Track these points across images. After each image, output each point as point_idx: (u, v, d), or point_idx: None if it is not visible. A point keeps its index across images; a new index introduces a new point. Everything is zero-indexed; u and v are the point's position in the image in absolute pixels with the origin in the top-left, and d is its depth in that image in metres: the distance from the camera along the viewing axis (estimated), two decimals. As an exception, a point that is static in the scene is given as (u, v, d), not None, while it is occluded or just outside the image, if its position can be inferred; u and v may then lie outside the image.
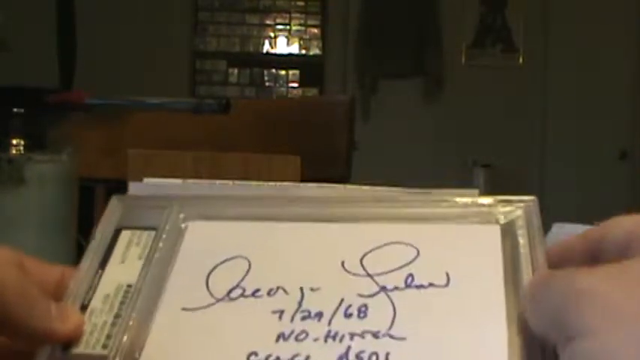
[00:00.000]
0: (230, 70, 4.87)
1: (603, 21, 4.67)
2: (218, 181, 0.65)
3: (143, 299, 0.38)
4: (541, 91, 4.79)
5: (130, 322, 0.37)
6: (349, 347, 0.34)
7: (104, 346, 0.36)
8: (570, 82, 4.72)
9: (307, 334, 0.35)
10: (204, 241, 0.41)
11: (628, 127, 4.77)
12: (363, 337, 0.34)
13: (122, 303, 0.38)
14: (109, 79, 3.46)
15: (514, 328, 0.34)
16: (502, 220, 0.40)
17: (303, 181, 0.80)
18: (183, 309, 0.37)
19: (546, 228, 0.65)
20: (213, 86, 4.84)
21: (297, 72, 4.86)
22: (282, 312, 0.36)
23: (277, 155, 1.22)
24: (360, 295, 0.37)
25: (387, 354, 0.34)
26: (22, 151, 0.76)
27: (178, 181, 0.64)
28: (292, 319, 0.36)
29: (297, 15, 4.86)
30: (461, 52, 4.81)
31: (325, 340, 0.35)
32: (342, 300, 0.36)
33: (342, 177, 1.36)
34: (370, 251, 0.39)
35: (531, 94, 4.78)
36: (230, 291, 0.38)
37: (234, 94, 4.74)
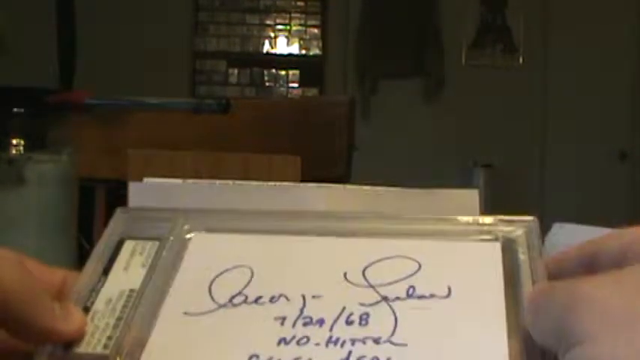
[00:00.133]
0: (230, 70, 4.87)
1: (603, 21, 4.67)
2: (218, 181, 0.65)
3: (145, 303, 0.39)
4: (541, 91, 4.79)
5: (132, 324, 0.37)
6: (350, 352, 0.34)
7: (105, 347, 0.36)
8: (570, 82, 4.72)
9: (308, 339, 0.35)
10: (208, 251, 0.42)
11: (628, 128, 4.77)
12: (364, 343, 0.35)
13: (124, 307, 0.38)
14: (109, 79, 3.46)
15: (514, 337, 0.35)
16: (503, 238, 0.41)
17: (303, 181, 0.81)
18: (185, 313, 0.38)
19: (546, 228, 0.65)
20: (213, 86, 4.84)
21: (297, 72, 4.86)
22: (283, 318, 0.37)
23: (277, 155, 1.22)
24: (362, 304, 0.37)
25: (388, 359, 0.34)
26: (22, 151, 0.76)
27: (178, 181, 0.64)
28: (294, 325, 0.36)
29: (297, 15, 4.86)
30: (461, 52, 4.81)
31: (327, 345, 0.35)
32: (344, 308, 0.37)
33: (342, 177, 1.36)
34: (372, 264, 0.40)
35: (531, 94, 4.78)
36: (232, 297, 0.38)
37: (234, 94, 4.74)
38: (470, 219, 0.43)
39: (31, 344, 0.37)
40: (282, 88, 4.87)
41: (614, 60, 4.72)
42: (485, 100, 4.73)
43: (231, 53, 4.85)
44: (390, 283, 0.38)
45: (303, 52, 4.86)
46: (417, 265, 0.39)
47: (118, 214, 0.45)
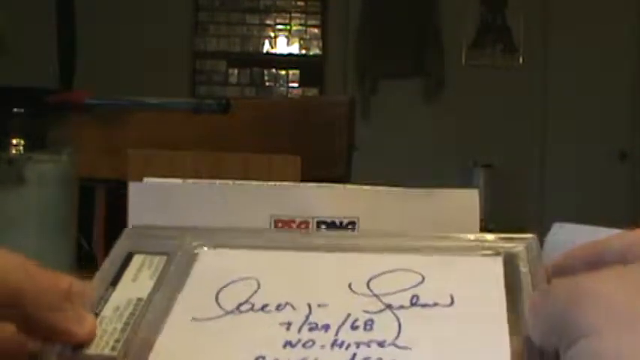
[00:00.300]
0: (230, 70, 4.87)
1: (603, 21, 4.67)
2: (218, 181, 0.65)
3: (153, 310, 0.39)
4: (541, 91, 4.79)
5: (140, 328, 0.38)
6: (355, 354, 0.35)
7: (113, 349, 0.37)
8: (570, 82, 4.72)
9: (314, 342, 0.36)
10: (216, 264, 0.43)
11: (628, 128, 4.77)
12: (368, 346, 0.36)
13: (132, 313, 0.39)
14: (109, 79, 3.46)
15: (516, 342, 0.35)
16: (504, 253, 0.42)
17: (303, 181, 0.81)
18: (193, 319, 0.39)
19: (546, 228, 0.65)
20: (213, 86, 4.84)
21: (297, 72, 4.86)
22: (289, 323, 0.38)
23: (277, 155, 1.22)
24: (367, 312, 0.38)
25: None
26: (22, 151, 0.76)
27: (178, 181, 0.64)
28: (300, 330, 0.37)
29: (297, 15, 4.86)
30: (461, 52, 4.81)
31: (332, 348, 0.36)
32: (349, 315, 0.38)
33: (342, 177, 1.36)
34: (377, 276, 0.41)
35: (531, 94, 4.78)
36: (239, 305, 0.39)
37: (234, 94, 4.74)
38: (472, 236, 0.45)
39: (41, 343, 0.37)
40: (282, 88, 4.87)
41: (614, 60, 4.72)
42: (485, 100, 4.73)
43: (231, 53, 4.85)
44: (393, 293, 0.39)
45: (303, 52, 4.86)
46: (421, 277, 0.40)
47: (126, 232, 0.46)
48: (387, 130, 4.69)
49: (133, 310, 0.39)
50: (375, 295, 0.39)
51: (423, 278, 0.40)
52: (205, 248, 0.44)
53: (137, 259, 0.43)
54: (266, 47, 4.87)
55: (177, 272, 0.42)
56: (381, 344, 0.36)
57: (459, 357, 0.35)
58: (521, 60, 4.83)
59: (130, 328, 0.38)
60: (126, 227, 0.47)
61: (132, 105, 1.02)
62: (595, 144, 4.71)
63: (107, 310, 0.39)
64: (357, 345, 0.36)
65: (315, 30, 4.86)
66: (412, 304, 0.38)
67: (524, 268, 0.41)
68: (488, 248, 0.43)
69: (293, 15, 4.86)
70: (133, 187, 0.62)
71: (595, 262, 0.37)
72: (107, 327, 0.38)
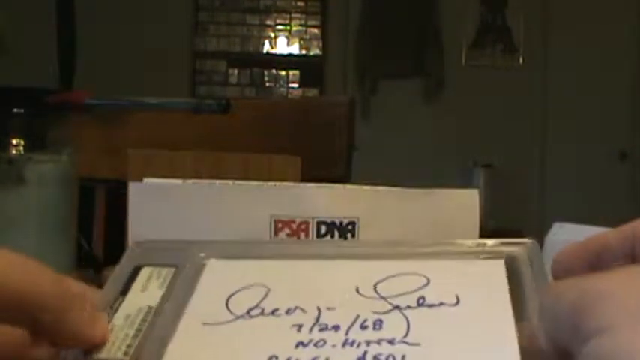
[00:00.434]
0: (230, 70, 4.87)
1: (603, 21, 4.67)
2: (218, 181, 0.65)
3: (164, 316, 0.40)
4: (541, 91, 4.79)
5: (151, 334, 0.39)
6: (366, 352, 0.36)
7: (125, 354, 0.37)
8: (570, 82, 4.72)
9: (325, 342, 0.37)
10: (224, 273, 0.44)
11: (628, 128, 4.77)
12: (379, 344, 0.36)
13: (143, 320, 0.40)
14: (109, 79, 3.46)
15: (524, 340, 0.36)
16: (506, 256, 0.43)
17: (303, 181, 0.81)
18: (204, 323, 0.39)
19: (546, 228, 0.65)
20: (213, 86, 4.84)
21: (297, 72, 4.86)
22: (300, 325, 0.38)
23: (277, 155, 1.22)
24: (375, 312, 0.39)
25: (404, 356, 0.35)
26: (22, 151, 0.76)
27: (178, 181, 0.64)
28: (310, 331, 0.38)
29: (297, 15, 4.86)
30: (461, 52, 4.81)
31: (343, 346, 0.37)
32: (358, 316, 0.39)
33: (342, 177, 1.36)
34: (383, 280, 0.42)
35: (531, 94, 4.78)
36: (249, 310, 0.40)
37: (234, 94, 4.74)
38: (473, 241, 0.46)
39: (57, 346, 0.37)
40: (282, 89, 4.87)
41: (614, 60, 4.72)
42: (485, 100, 4.73)
43: (231, 53, 4.85)
44: (400, 295, 0.40)
45: (303, 52, 4.86)
46: (426, 280, 0.41)
47: (132, 247, 0.47)
48: (387, 130, 4.69)
49: (144, 317, 0.40)
50: (383, 298, 0.40)
51: (428, 280, 0.41)
52: (213, 259, 0.45)
53: (145, 271, 0.44)
54: (266, 47, 4.86)
55: (186, 281, 0.43)
56: (391, 342, 0.36)
57: (469, 353, 0.36)
58: (521, 60, 4.83)
59: (141, 334, 0.38)
60: (126, 227, 0.47)
61: (132, 105, 1.02)
62: (595, 144, 4.71)
63: (118, 319, 0.40)
64: (368, 343, 0.36)
65: (315, 30, 4.86)
66: (419, 305, 0.39)
67: (526, 271, 0.41)
68: (490, 252, 0.44)
69: (293, 15, 4.86)
70: (133, 187, 0.62)
71: (597, 261, 0.38)
72: (119, 333, 0.39)
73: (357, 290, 0.41)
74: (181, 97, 3.86)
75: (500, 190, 4.45)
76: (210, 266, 0.44)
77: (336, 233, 0.63)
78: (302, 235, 0.63)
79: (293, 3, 4.85)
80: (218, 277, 0.43)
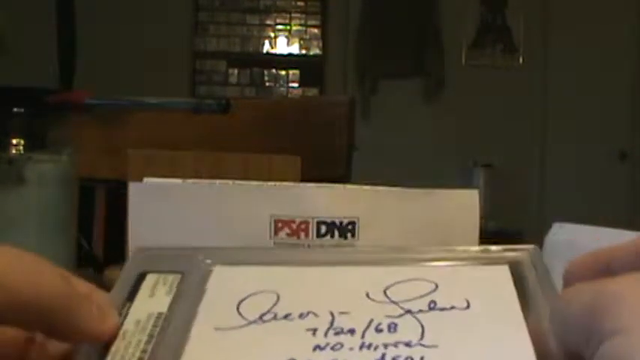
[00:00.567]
0: (230, 70, 4.87)
1: (603, 21, 4.67)
2: (218, 181, 0.65)
3: (176, 322, 0.40)
4: (541, 91, 4.79)
5: (165, 340, 0.38)
6: (384, 354, 0.36)
7: (140, 359, 0.37)
8: (570, 82, 4.72)
9: (342, 345, 0.37)
10: (232, 279, 0.44)
11: (628, 128, 4.77)
12: (396, 346, 0.37)
13: (155, 326, 0.39)
14: (109, 79, 3.46)
15: (536, 341, 0.36)
16: (510, 262, 0.44)
17: (303, 181, 0.81)
18: (217, 329, 0.39)
19: (546, 228, 0.65)
20: (213, 86, 4.84)
21: (297, 72, 4.86)
22: (315, 330, 0.38)
23: (277, 155, 1.22)
24: (388, 316, 0.39)
25: (422, 357, 0.36)
26: (22, 151, 0.76)
27: (178, 181, 0.64)
28: (326, 335, 0.38)
29: (297, 15, 4.86)
30: (461, 52, 4.81)
31: (360, 349, 0.37)
32: (372, 320, 0.39)
33: (342, 177, 1.36)
34: (392, 285, 0.42)
35: (531, 94, 4.78)
36: (262, 315, 0.40)
37: (234, 94, 4.74)
38: (476, 248, 0.46)
39: (67, 342, 0.38)
40: (282, 88, 4.87)
41: (614, 60, 4.72)
42: (485, 100, 4.73)
43: (231, 53, 4.85)
44: (411, 300, 0.40)
45: (303, 52, 4.86)
46: (434, 285, 0.41)
47: (135, 253, 0.46)
48: (387, 130, 4.69)
49: (155, 322, 0.39)
50: (394, 302, 0.40)
51: (437, 286, 0.41)
52: (219, 266, 0.45)
53: (151, 278, 0.43)
54: (266, 47, 4.87)
55: (193, 287, 0.42)
56: (407, 344, 0.36)
57: (487, 354, 0.36)
58: (521, 60, 4.83)
59: (154, 340, 0.38)
60: (126, 227, 0.46)
61: (132, 105, 1.02)
62: (595, 144, 4.71)
63: (128, 325, 0.39)
64: (385, 346, 0.36)
65: (315, 30, 4.86)
66: (430, 309, 0.39)
67: (530, 276, 0.42)
68: (494, 258, 0.44)
69: (293, 15, 4.86)
70: (133, 187, 0.62)
71: (606, 270, 0.38)
72: (131, 339, 0.38)
73: (368, 295, 0.41)
74: (181, 97, 3.86)
75: (500, 190, 4.45)
76: (216, 273, 0.44)
77: (336, 233, 0.63)
78: (302, 234, 0.63)
79: (293, 3, 4.85)
80: (226, 283, 0.43)
